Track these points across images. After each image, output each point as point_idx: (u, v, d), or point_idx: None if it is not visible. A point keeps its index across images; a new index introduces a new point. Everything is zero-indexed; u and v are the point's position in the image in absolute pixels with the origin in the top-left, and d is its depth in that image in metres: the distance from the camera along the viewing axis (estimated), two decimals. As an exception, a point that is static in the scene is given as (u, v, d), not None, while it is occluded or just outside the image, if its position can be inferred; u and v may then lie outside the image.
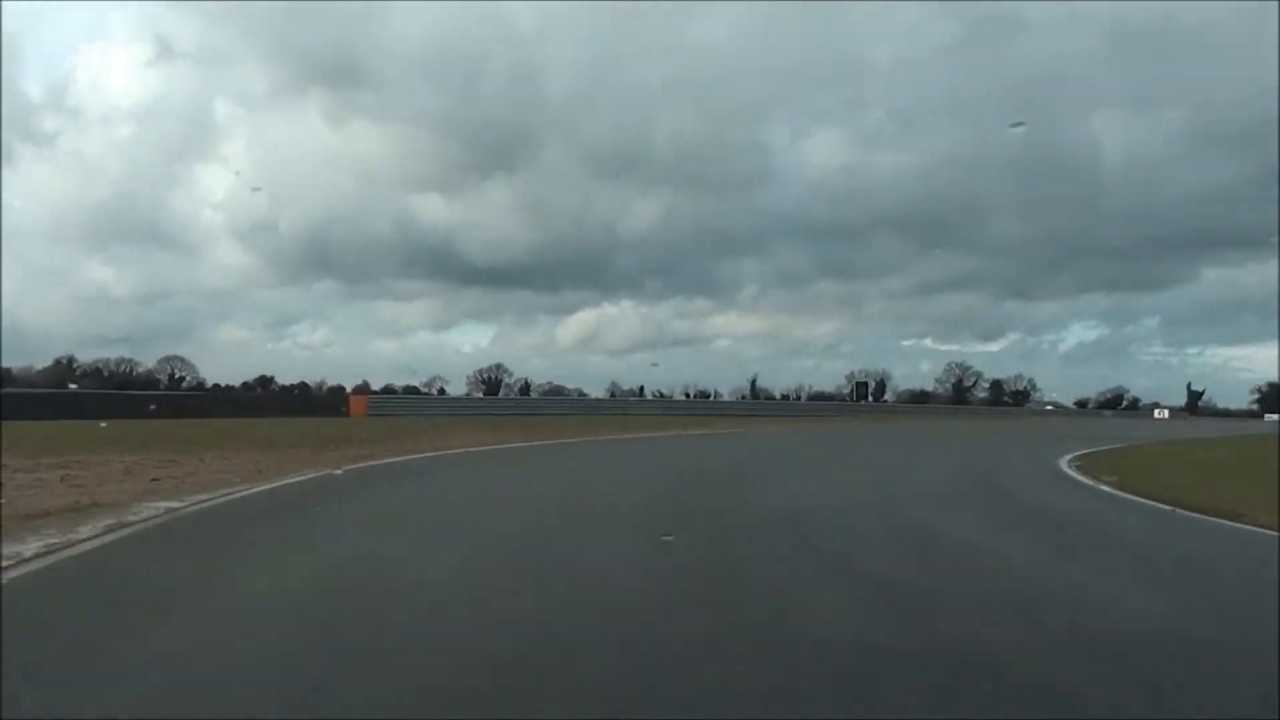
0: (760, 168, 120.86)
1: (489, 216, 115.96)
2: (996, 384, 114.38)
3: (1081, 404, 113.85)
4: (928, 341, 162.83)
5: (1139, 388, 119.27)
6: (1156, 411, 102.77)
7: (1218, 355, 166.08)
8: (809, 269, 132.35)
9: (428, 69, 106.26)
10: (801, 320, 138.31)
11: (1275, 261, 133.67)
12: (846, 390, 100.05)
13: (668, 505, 12.93)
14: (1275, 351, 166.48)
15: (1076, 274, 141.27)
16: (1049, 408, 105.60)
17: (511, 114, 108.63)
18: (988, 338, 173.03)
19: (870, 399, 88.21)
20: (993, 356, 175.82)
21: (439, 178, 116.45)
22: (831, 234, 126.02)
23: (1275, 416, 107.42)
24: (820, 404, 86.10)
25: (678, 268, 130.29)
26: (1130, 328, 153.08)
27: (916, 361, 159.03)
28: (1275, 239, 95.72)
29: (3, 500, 11.46)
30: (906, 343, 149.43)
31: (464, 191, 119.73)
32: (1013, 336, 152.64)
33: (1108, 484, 17.62)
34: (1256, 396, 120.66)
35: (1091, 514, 13.09)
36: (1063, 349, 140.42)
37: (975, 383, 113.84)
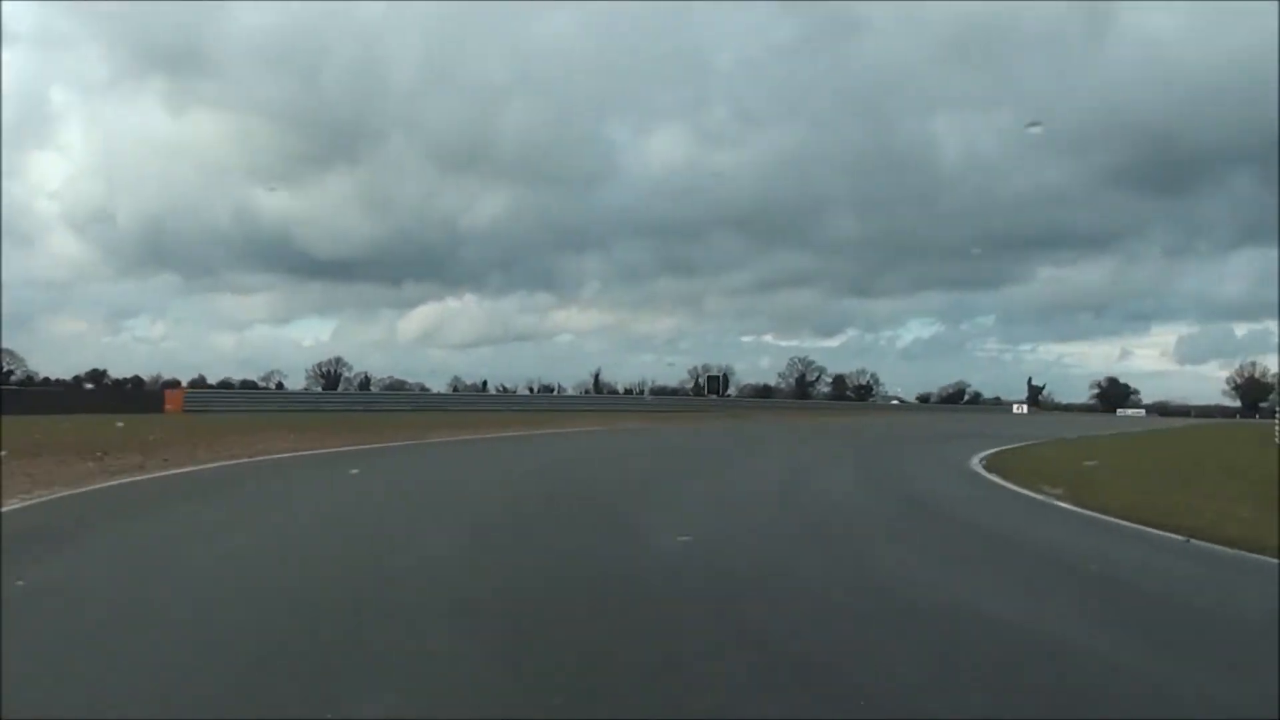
0: (603, 164, 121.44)
1: (331, 209, 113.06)
2: (839, 379, 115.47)
3: (924, 399, 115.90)
4: (768, 337, 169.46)
5: (977, 383, 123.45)
6: (1016, 407, 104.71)
7: (1051, 351, 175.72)
8: (651, 265, 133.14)
9: (270, 58, 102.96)
10: (643, 316, 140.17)
11: (1109, 260, 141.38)
12: (689, 385, 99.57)
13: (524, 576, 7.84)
14: (1105, 348, 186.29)
15: (914, 272, 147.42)
16: (894, 402, 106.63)
17: (354, 106, 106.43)
18: (827, 333, 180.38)
19: (718, 394, 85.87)
20: (832, 352, 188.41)
21: (281, 169, 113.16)
22: (673, 231, 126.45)
23: (1133, 412, 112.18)
24: (665, 398, 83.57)
25: (521, 262, 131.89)
26: (966, 325, 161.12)
27: (757, 357, 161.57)
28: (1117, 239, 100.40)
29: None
30: (747, 338, 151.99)
31: (306, 183, 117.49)
32: (851, 332, 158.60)
33: (1055, 497, 14.34)
34: (1096, 391, 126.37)
35: (1092, 551, 9.57)
36: (900, 345, 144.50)
37: (818, 377, 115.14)
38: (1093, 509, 12.66)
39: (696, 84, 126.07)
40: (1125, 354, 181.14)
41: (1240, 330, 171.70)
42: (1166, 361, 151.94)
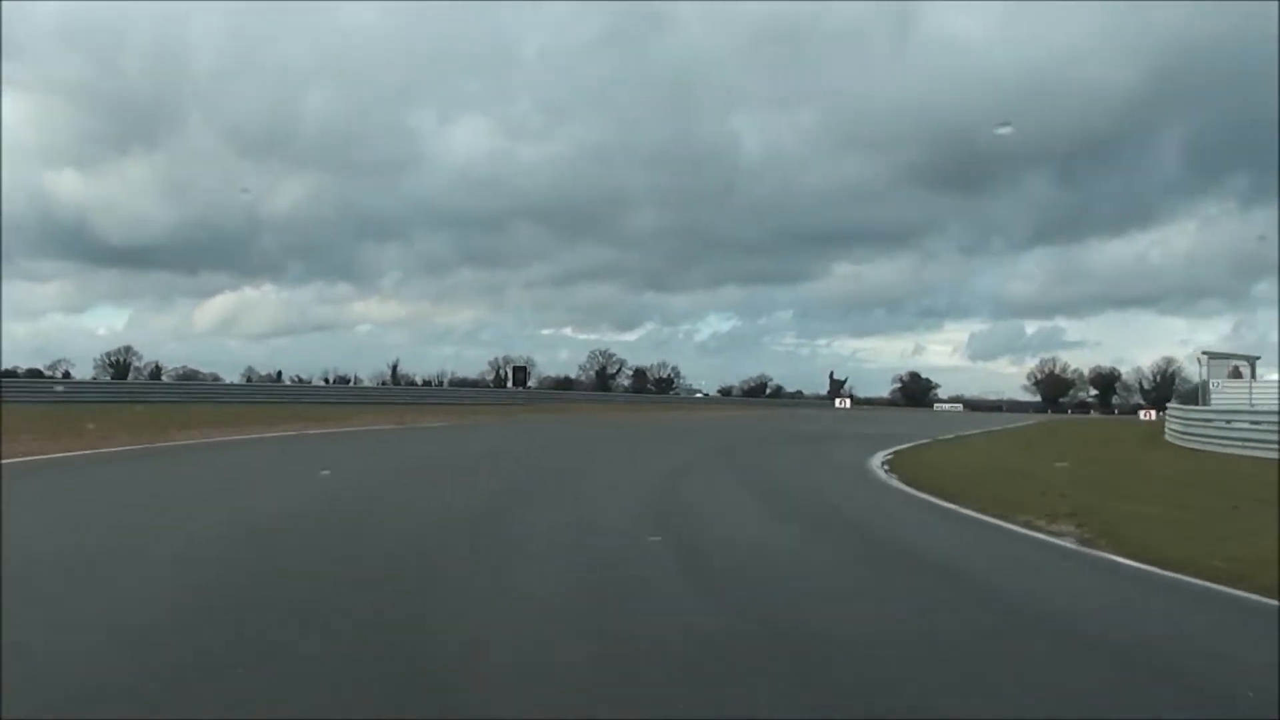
0: (406, 153, 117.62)
1: (128, 194, 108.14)
2: (640, 372, 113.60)
3: (726, 392, 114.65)
4: (568, 330, 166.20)
5: (777, 377, 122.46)
6: (838, 401, 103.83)
7: (846, 346, 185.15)
8: (452, 256, 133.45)
9: (69, 38, 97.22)
10: (444, 308, 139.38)
11: (906, 257, 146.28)
12: (490, 377, 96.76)
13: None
14: (900, 343, 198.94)
15: (713, 267, 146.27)
16: (698, 395, 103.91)
17: (153, 88, 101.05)
18: (626, 327, 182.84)
19: (524, 386, 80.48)
20: (630, 345, 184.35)
21: (77, 152, 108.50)
22: (475, 222, 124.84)
23: (949, 406, 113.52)
24: (466, 390, 77.93)
25: (320, 252, 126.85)
26: (764, 319, 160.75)
27: (556, 349, 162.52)
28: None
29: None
30: (546, 331, 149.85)
31: (102, 167, 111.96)
32: (650, 326, 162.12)
33: (1070, 538, 9.63)
34: (898, 385, 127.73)
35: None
36: (698, 339, 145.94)
37: (619, 370, 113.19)
38: (1146, 561, 8.04)
39: (501, 75, 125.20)
40: (919, 349, 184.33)
41: (1030, 327, 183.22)
42: (958, 357, 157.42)
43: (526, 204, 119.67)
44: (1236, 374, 37.14)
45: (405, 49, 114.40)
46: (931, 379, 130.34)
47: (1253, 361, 38.34)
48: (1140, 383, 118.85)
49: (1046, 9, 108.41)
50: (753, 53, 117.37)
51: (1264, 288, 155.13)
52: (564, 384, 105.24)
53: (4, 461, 14.45)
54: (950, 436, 33.70)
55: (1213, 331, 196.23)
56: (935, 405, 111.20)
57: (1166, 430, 31.78)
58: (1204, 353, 38.55)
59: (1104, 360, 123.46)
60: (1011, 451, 25.50)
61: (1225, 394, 34.93)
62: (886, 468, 18.09)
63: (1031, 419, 71.91)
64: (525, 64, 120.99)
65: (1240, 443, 22.93)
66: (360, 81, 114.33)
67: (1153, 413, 48.05)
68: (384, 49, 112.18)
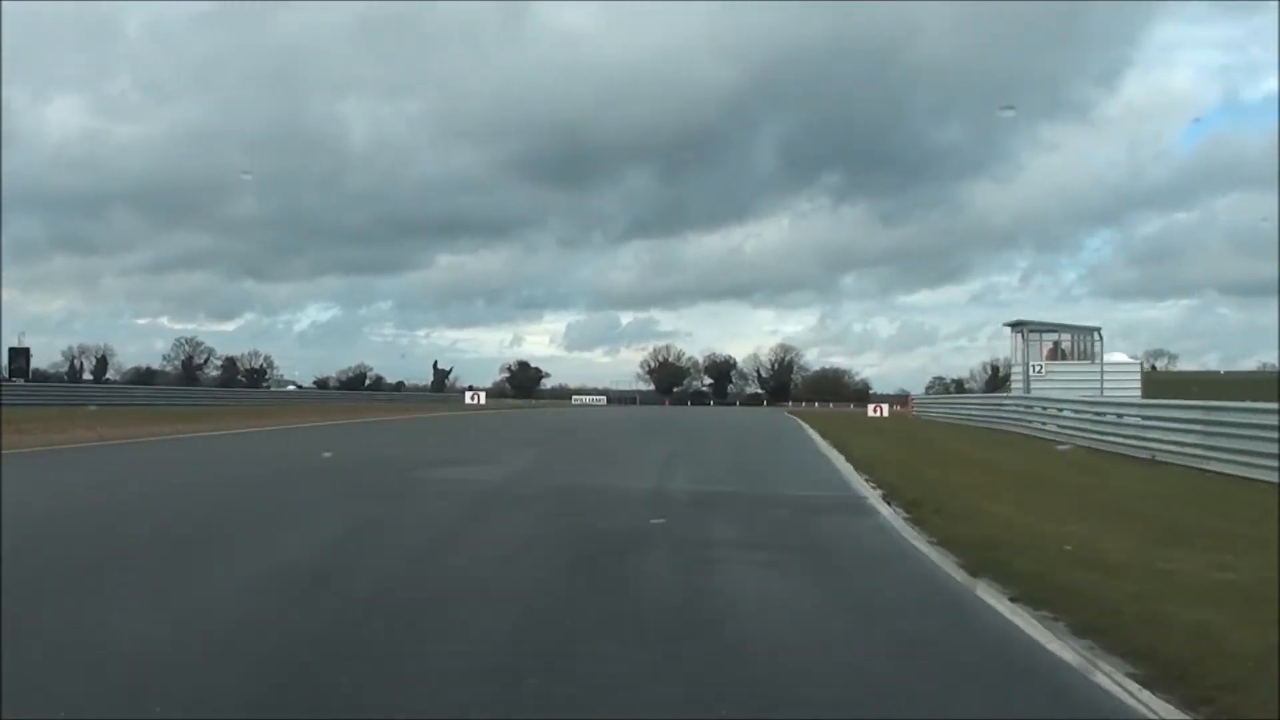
0: None
1: None
2: (230, 361, 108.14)
3: (321, 383, 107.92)
4: (164, 320, 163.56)
5: (377, 367, 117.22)
6: (469, 396, 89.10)
7: (446, 337, 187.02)
8: (43, 242, 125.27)
9: None
10: (34, 296, 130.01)
11: (507, 248, 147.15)
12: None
13: None
14: (500, 334, 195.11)
15: (315, 255, 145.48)
16: (290, 388, 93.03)
17: None
18: (224, 317, 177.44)
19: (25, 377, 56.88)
20: (229, 336, 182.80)
21: None
22: (69, 205, 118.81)
23: (590, 399, 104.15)
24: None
25: None
26: (365, 309, 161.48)
27: (151, 340, 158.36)
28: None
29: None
30: (142, 321, 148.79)
31: None
32: (249, 316, 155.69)
33: None
34: (507, 375, 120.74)
35: None
36: (298, 329, 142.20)
37: (207, 359, 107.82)
38: None
39: (100, 51, 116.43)
40: (518, 339, 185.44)
41: (626, 318, 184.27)
42: (556, 347, 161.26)
43: (123, 187, 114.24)
44: (1058, 354, 29.17)
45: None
46: (542, 369, 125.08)
47: (1088, 336, 30.22)
48: (758, 371, 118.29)
49: (653, 7, 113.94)
50: (364, 38, 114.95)
51: (850, 280, 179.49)
52: (146, 375, 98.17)
53: None
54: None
55: (800, 323, 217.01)
56: (575, 398, 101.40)
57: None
58: (1010, 324, 30.30)
59: (693, 350, 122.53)
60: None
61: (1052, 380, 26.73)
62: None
63: (698, 411, 65.40)
64: (127, 40, 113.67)
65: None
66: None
67: (885, 407, 40.47)
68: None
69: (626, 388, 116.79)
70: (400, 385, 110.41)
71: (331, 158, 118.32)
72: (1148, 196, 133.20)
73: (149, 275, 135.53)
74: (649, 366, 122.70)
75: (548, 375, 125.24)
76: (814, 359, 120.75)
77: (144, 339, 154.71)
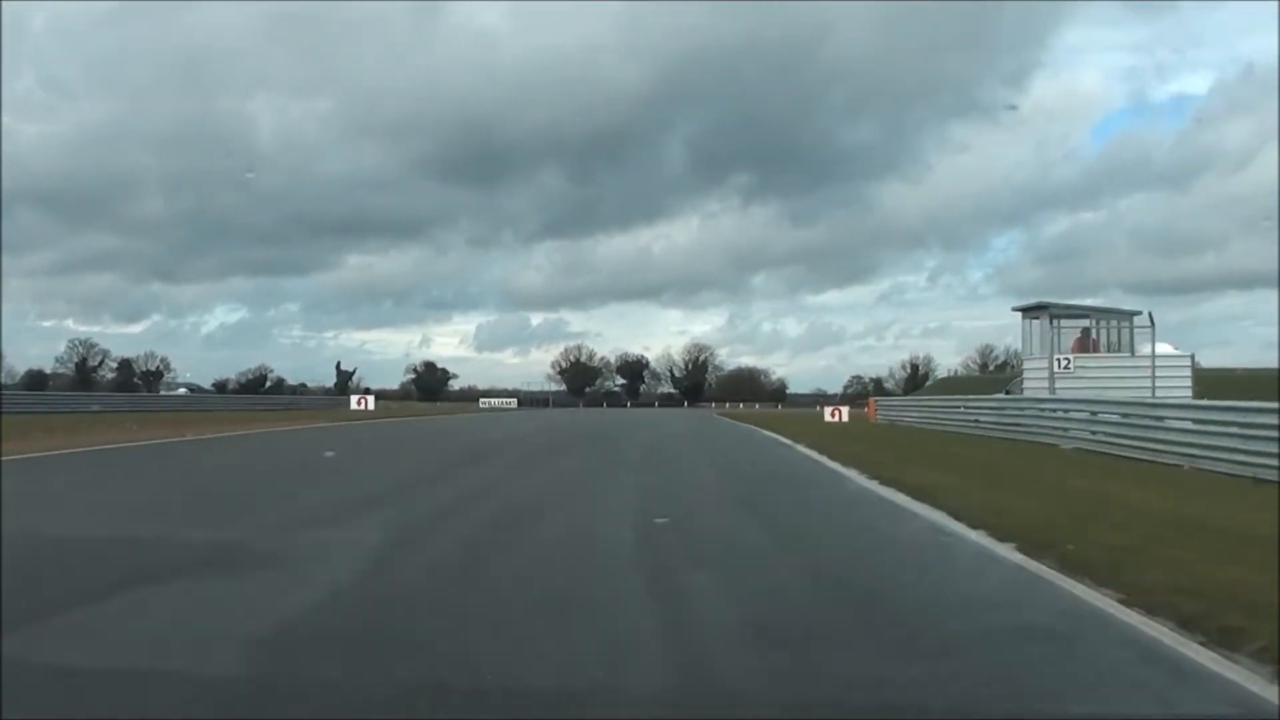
0: None
1: None
2: (126, 363, 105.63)
3: (221, 385, 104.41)
4: (69, 323, 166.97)
5: (281, 369, 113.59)
6: (355, 400, 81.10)
7: (354, 338, 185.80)
8: None
9: None
10: None
11: (417, 249, 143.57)
12: None
13: None
14: (408, 335, 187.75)
15: (223, 256, 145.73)
16: (181, 390, 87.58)
17: None
18: (130, 319, 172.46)
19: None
20: (135, 339, 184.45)
21: None
22: None
23: (501, 402, 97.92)
24: None
25: None
26: (273, 311, 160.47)
27: (55, 343, 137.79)
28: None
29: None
30: (47, 323, 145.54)
31: None
32: (156, 318, 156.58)
33: None
34: (412, 376, 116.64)
35: None
36: (205, 331, 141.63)
37: (101, 361, 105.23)
38: None
39: (4, 49, 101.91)
40: (426, 340, 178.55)
41: (536, 319, 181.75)
42: (466, 348, 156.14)
43: (28, 186, 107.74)
44: (1089, 345, 24.19)
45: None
46: (449, 369, 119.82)
47: (1124, 321, 25.16)
48: (671, 370, 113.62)
49: (565, 7, 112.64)
50: (274, 35, 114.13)
51: (759, 280, 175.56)
52: (39, 380, 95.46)
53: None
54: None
55: (708, 323, 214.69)
56: (482, 401, 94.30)
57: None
58: (1022, 308, 25.17)
59: (604, 350, 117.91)
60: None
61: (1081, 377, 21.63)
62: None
63: (618, 415, 59.01)
64: (31, 37, 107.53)
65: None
66: None
67: (843, 410, 35.43)
68: None
69: (538, 389, 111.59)
70: (302, 387, 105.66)
71: (240, 156, 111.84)
72: (1055, 196, 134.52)
73: (54, 277, 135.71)
74: (560, 367, 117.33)
75: (455, 377, 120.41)
76: (724, 359, 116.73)
77: (49, 341, 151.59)
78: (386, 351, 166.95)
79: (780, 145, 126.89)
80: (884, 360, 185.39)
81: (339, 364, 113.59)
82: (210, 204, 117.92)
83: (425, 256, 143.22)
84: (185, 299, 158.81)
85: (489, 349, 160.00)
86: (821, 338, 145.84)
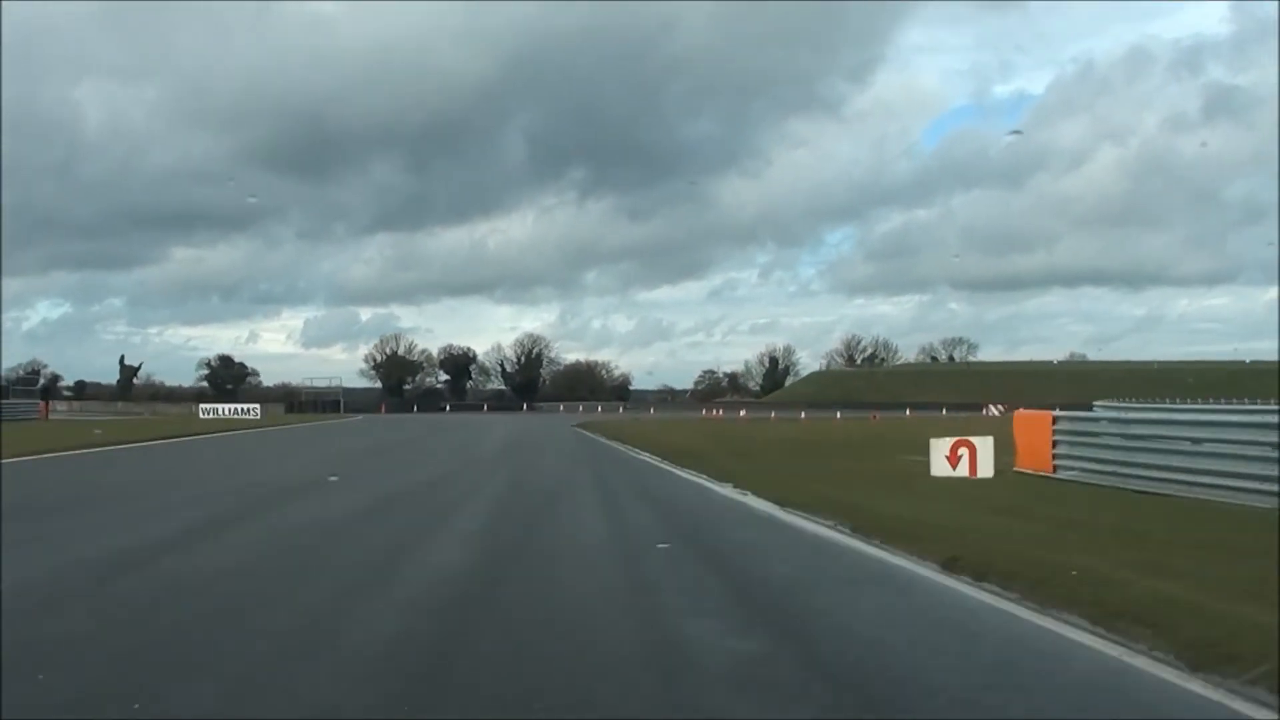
0: None
1: None
2: None
3: None
4: None
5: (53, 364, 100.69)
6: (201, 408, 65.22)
7: (180, 334, 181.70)
8: None
9: None
10: None
11: (246, 242, 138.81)
12: None
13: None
14: (235, 330, 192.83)
15: (47, 249, 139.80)
16: None
17: None
18: None
19: None
20: None
21: None
22: None
23: (249, 408, 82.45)
24: None
25: None
26: (97, 306, 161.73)
27: None
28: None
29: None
30: None
31: None
32: None
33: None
34: (206, 372, 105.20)
35: None
36: (27, 327, 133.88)
37: None
38: None
39: None
40: (254, 336, 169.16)
41: (365, 314, 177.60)
42: (293, 344, 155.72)
43: None
44: None
45: None
46: (247, 364, 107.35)
47: None
48: (502, 365, 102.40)
49: None
50: (102, 19, 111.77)
51: (592, 276, 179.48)
52: None
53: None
54: None
55: (539, 319, 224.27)
56: (203, 408, 69.94)
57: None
58: None
59: (435, 347, 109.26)
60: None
61: None
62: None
63: (432, 427, 45.18)
64: None
65: None
66: None
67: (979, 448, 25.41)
68: None
69: (351, 385, 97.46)
70: (81, 386, 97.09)
71: (64, 144, 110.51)
72: (890, 193, 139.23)
73: None
74: (374, 360, 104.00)
75: (254, 373, 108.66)
76: (557, 354, 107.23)
77: None
78: (212, 348, 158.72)
79: (620, 138, 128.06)
80: (712, 356, 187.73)
81: (122, 358, 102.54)
82: (31, 195, 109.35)
83: (255, 250, 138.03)
84: (6, 294, 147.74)
85: (316, 345, 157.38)
86: (651, 333, 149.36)
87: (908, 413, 61.28)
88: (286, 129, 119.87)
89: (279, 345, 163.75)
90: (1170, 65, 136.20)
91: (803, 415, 59.71)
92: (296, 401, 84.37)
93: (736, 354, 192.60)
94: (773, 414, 63.09)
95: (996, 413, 56.19)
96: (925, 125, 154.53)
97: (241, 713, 4.07)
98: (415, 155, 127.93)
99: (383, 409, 78.84)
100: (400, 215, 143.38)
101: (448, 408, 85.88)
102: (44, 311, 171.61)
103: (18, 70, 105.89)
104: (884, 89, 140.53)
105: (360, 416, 64.64)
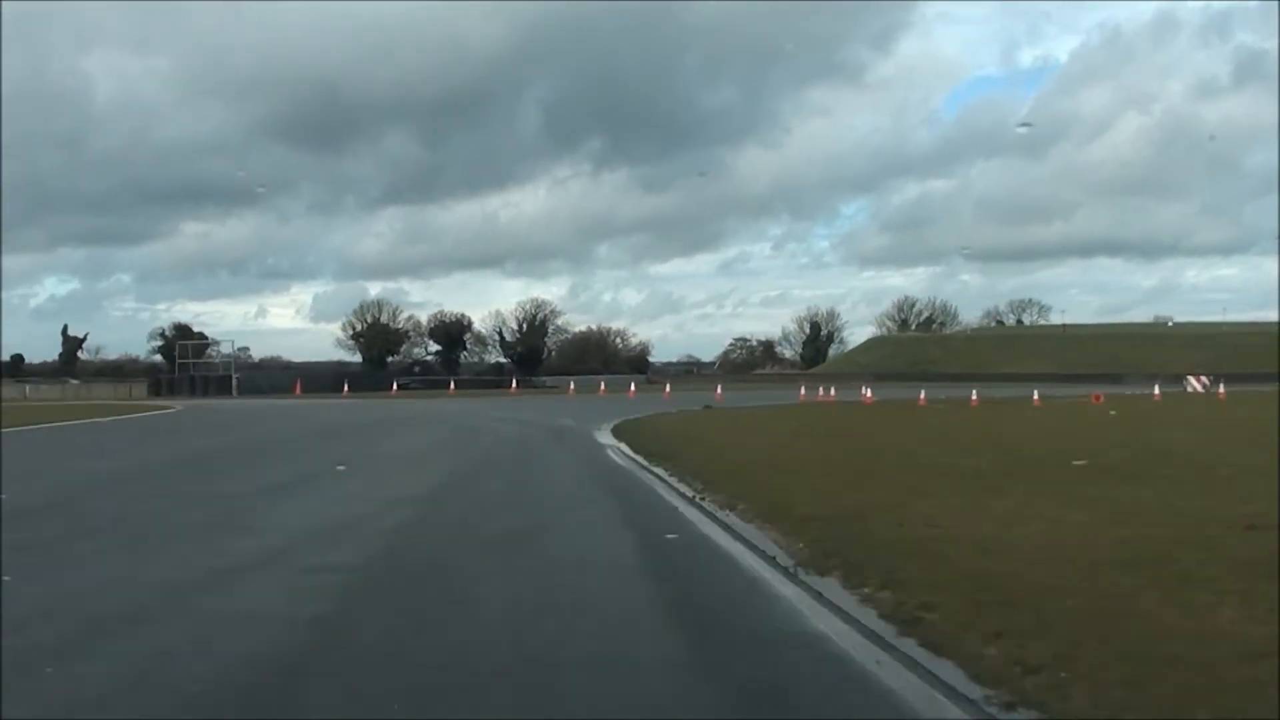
0: None
1: None
2: None
3: None
4: None
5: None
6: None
7: (188, 310, 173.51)
8: None
9: None
10: None
11: (255, 216, 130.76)
12: None
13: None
14: (244, 306, 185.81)
15: (54, 225, 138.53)
16: None
17: None
18: None
19: None
20: None
21: None
22: None
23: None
24: None
25: None
26: (105, 282, 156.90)
27: None
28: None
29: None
30: None
31: None
32: None
33: None
34: (159, 344, 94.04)
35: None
36: (34, 303, 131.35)
37: None
38: None
39: None
40: (263, 312, 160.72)
41: (374, 289, 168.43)
42: (301, 319, 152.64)
43: None
44: None
45: None
46: (206, 334, 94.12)
47: None
48: (501, 333, 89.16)
49: None
50: None
51: (604, 249, 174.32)
52: None
53: None
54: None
55: (550, 293, 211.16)
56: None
57: None
58: None
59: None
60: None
61: None
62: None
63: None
64: None
65: None
66: None
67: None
68: None
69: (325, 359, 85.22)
70: (19, 360, 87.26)
71: (74, 118, 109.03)
72: (909, 163, 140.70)
73: None
74: (353, 330, 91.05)
75: (215, 343, 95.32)
76: (565, 323, 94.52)
77: None
78: (221, 323, 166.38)
79: (636, 108, 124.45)
80: (719, 330, 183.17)
81: (65, 328, 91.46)
82: (39, 169, 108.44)
83: (264, 224, 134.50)
84: (14, 270, 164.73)
85: (325, 320, 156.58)
86: (660, 306, 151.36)
87: (1035, 395, 38.24)
88: (299, 100, 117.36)
89: (288, 320, 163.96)
90: (1199, 30, 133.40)
91: (867, 393, 44.03)
92: (167, 379, 70.02)
93: (746, 326, 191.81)
94: (832, 390, 49.18)
95: (1199, 387, 42.23)
96: (946, 94, 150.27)
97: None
98: (428, 126, 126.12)
99: (345, 390, 58.09)
100: (411, 188, 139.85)
101: (393, 386, 62.23)
102: (51, 288, 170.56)
103: (26, 40, 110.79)
104: (906, 56, 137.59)
105: (267, 401, 48.87)
